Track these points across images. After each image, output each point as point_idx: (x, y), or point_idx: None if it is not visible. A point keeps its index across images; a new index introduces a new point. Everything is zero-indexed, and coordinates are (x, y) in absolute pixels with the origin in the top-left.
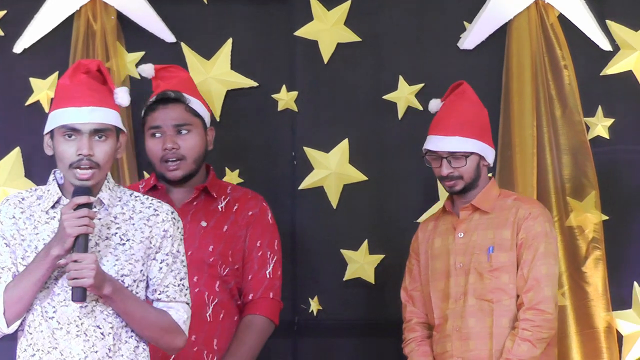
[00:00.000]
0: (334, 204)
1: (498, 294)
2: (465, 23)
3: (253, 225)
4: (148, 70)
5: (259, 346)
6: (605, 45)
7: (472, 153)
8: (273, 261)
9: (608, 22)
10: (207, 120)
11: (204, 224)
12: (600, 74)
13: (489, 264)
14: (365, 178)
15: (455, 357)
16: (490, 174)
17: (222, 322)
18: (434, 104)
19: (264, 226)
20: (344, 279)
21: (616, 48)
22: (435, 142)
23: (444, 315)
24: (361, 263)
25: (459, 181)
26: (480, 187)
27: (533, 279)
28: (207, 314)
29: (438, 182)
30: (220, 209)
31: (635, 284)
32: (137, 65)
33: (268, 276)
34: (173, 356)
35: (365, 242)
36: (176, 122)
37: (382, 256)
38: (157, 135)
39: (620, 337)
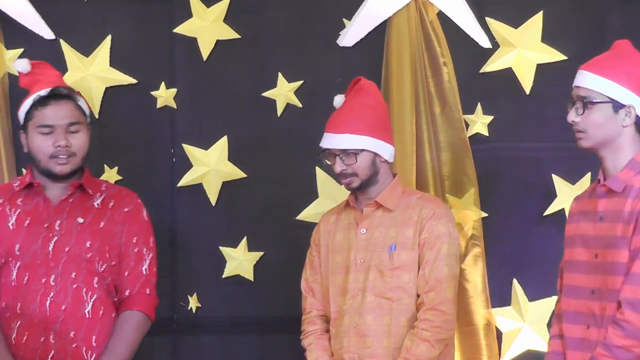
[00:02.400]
0: (213, 201)
1: (398, 293)
2: (344, 20)
3: (129, 221)
4: (23, 65)
5: (138, 341)
6: (485, 43)
7: (363, 150)
8: (149, 258)
9: (487, 19)
10: (89, 118)
11: (80, 220)
12: (480, 72)
13: (390, 262)
14: (245, 175)
15: (352, 354)
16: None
17: (102, 318)
18: (337, 100)
19: (140, 223)
20: (223, 276)
21: (495, 45)
22: (328, 140)
23: (340, 310)
24: (240, 260)
25: (354, 178)
26: (382, 183)
27: (435, 279)
28: (87, 311)
29: (317, 179)
30: (96, 206)
31: (515, 280)
32: None
33: (144, 272)
34: (53, 352)
35: (244, 239)
36: (69, 120)
37: (261, 253)
38: (47, 132)
39: (499, 334)
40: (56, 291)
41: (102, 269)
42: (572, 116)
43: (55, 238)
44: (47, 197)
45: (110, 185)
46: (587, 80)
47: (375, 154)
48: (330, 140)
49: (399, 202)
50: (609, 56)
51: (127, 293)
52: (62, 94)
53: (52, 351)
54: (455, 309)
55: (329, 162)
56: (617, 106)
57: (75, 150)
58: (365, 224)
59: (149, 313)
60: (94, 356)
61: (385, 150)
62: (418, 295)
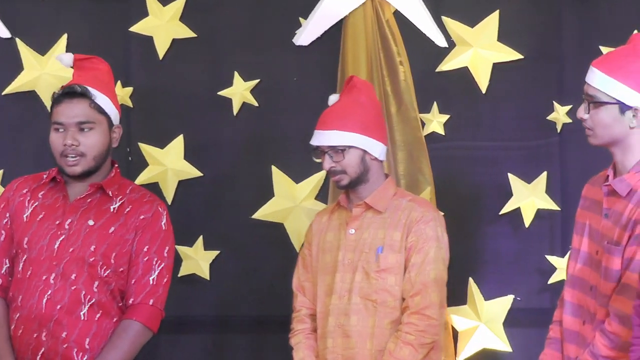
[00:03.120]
0: (169, 199)
1: (383, 295)
2: (300, 19)
3: (143, 229)
4: (66, 59)
5: (132, 352)
6: (441, 42)
7: (351, 147)
8: (159, 268)
9: (444, 18)
10: (115, 117)
11: (91, 222)
12: (436, 71)
13: (377, 264)
14: (201, 174)
15: (336, 354)
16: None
17: (98, 322)
18: (332, 99)
19: (154, 231)
20: (179, 275)
21: (452, 44)
22: (317, 137)
23: (326, 310)
24: (196, 259)
25: (343, 176)
26: (373, 183)
27: (421, 283)
28: (82, 313)
29: (273, 178)
30: (112, 210)
31: (471, 279)
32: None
33: (151, 282)
34: (43, 349)
35: (200, 238)
36: (79, 120)
37: (217, 252)
38: (60, 130)
39: (455, 333)
40: (54, 290)
41: (106, 274)
42: (580, 113)
43: (63, 237)
44: (67, 194)
45: (137, 189)
46: (595, 78)
47: (365, 152)
48: (319, 137)
49: (389, 204)
50: (622, 52)
51: (130, 301)
52: (75, 92)
53: (43, 348)
54: (441, 314)
55: (319, 160)
56: (624, 108)
57: (85, 149)
58: (354, 225)
59: (149, 324)
60: (85, 358)
61: (376, 148)
62: (403, 299)
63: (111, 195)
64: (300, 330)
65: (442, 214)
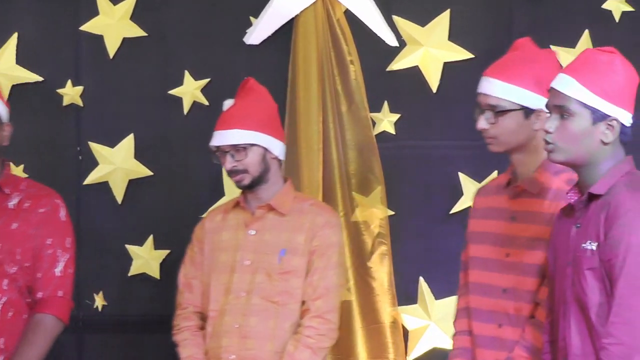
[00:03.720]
0: (119, 199)
1: (285, 297)
2: (251, 18)
3: (44, 223)
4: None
5: (47, 345)
6: (392, 41)
7: (253, 145)
8: (64, 259)
9: (394, 17)
10: (4, 115)
11: None
12: (387, 70)
13: (280, 267)
14: (151, 173)
15: (231, 354)
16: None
17: (11, 320)
18: (227, 104)
19: (55, 224)
20: (129, 274)
21: (402, 44)
22: (218, 137)
23: (222, 309)
24: (146, 258)
25: (245, 175)
26: (272, 183)
27: (324, 287)
28: None
29: (224, 177)
30: (11, 207)
31: (421, 279)
32: None
33: (58, 274)
34: None
35: (151, 237)
36: None
37: (167, 251)
38: None
39: (405, 332)
40: None
41: (13, 271)
42: (482, 124)
43: None
44: None
45: (31, 184)
46: (494, 88)
47: (266, 150)
48: (220, 138)
49: (291, 207)
50: (513, 58)
51: (39, 295)
52: None
53: None
54: (339, 319)
55: (220, 162)
56: (528, 112)
57: None
58: (255, 226)
59: (61, 316)
60: (1, 359)
61: (276, 146)
62: (303, 302)
63: (8, 192)
64: (186, 327)
65: (392, 213)
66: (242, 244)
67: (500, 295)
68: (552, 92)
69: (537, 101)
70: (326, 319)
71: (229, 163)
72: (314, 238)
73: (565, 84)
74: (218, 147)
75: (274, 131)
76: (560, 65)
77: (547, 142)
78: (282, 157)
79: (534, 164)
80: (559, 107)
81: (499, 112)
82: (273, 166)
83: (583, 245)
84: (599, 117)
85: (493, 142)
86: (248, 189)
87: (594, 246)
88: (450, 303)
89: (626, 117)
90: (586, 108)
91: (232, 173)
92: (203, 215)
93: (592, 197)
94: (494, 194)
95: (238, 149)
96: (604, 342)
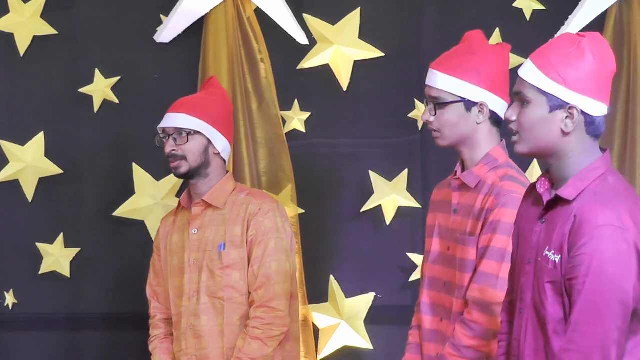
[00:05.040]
0: (30, 197)
1: (229, 292)
2: (162, 16)
3: None
4: None
5: None
6: (302, 39)
7: (197, 133)
8: None
9: (305, 15)
10: None
11: None
12: (297, 68)
13: (220, 262)
14: (61, 171)
15: (190, 355)
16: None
17: None
18: None
19: None
20: (40, 273)
21: (313, 42)
22: (165, 120)
23: (179, 312)
24: (57, 256)
25: (183, 162)
26: (212, 179)
27: (263, 276)
28: None
29: (133, 175)
30: None
31: (332, 277)
32: None
33: None
34: None
35: (61, 235)
36: None
37: (77, 250)
38: None
39: (316, 331)
40: None
41: None
42: (426, 116)
43: None
44: None
45: None
46: (437, 80)
47: (209, 143)
48: (167, 120)
49: (227, 200)
50: (459, 51)
51: None
52: None
53: None
54: (288, 305)
55: (162, 145)
56: (469, 104)
57: None
58: (196, 224)
59: None
60: None
61: (220, 142)
62: (249, 293)
63: None
64: (155, 336)
65: (303, 211)
66: (187, 244)
67: (441, 289)
68: (518, 79)
69: (480, 94)
70: (270, 307)
71: (169, 146)
72: (249, 227)
73: (525, 69)
74: (163, 130)
75: (222, 127)
76: (508, 59)
77: (513, 133)
78: (225, 156)
79: (477, 157)
80: (517, 93)
81: (440, 104)
82: (215, 162)
83: (546, 252)
84: (556, 104)
85: (438, 136)
86: (183, 178)
87: (556, 259)
88: (360, 301)
89: (593, 107)
90: (543, 95)
91: (170, 158)
92: (114, 214)
93: (560, 197)
94: (445, 187)
95: (181, 133)
96: None
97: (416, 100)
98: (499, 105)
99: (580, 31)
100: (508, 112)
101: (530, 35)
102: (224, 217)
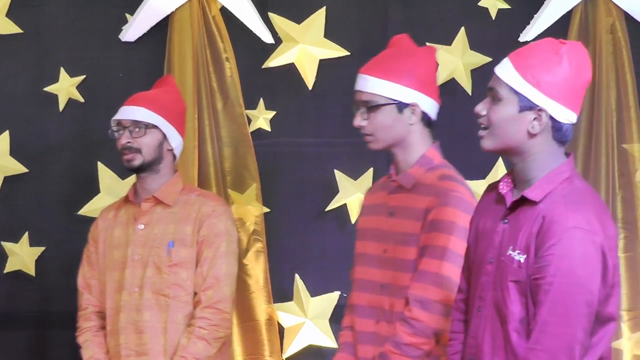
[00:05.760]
0: None
1: (175, 290)
2: (127, 15)
3: None
4: None
5: None
6: (267, 38)
7: (154, 127)
8: None
9: (270, 14)
10: None
11: None
12: (262, 67)
13: (169, 259)
14: (26, 170)
15: (129, 351)
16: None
17: None
18: None
19: None
20: (4, 272)
21: (278, 41)
22: (122, 112)
23: (117, 306)
24: (21, 255)
25: (137, 155)
26: (163, 175)
27: (213, 277)
28: None
29: (98, 174)
30: None
31: (297, 276)
32: None
33: None
34: None
35: (26, 234)
36: None
37: (42, 248)
38: None
39: (281, 329)
40: None
41: None
42: (358, 121)
43: None
44: None
45: None
46: (368, 84)
47: (165, 138)
48: (124, 112)
49: (178, 199)
50: (388, 55)
51: None
52: None
53: None
54: (233, 308)
55: (117, 138)
56: (401, 106)
57: None
58: (143, 220)
59: None
60: None
61: (175, 139)
62: (195, 293)
63: None
64: (87, 328)
65: (268, 210)
66: (132, 239)
67: (378, 291)
68: (493, 75)
69: (411, 95)
70: (218, 309)
71: (125, 138)
72: (201, 228)
73: (502, 67)
74: (119, 122)
75: (177, 125)
76: (436, 61)
77: (481, 128)
78: (177, 152)
79: (411, 159)
80: (490, 89)
81: (372, 107)
82: (167, 158)
83: (510, 252)
84: (526, 105)
85: (371, 140)
86: (135, 171)
87: (521, 258)
88: (325, 300)
89: (562, 113)
90: (515, 94)
91: (125, 150)
92: (79, 212)
93: (525, 199)
94: (379, 190)
95: (139, 126)
96: None
97: None
98: (430, 106)
99: (546, 30)
100: (478, 106)
101: (496, 34)
102: (174, 215)
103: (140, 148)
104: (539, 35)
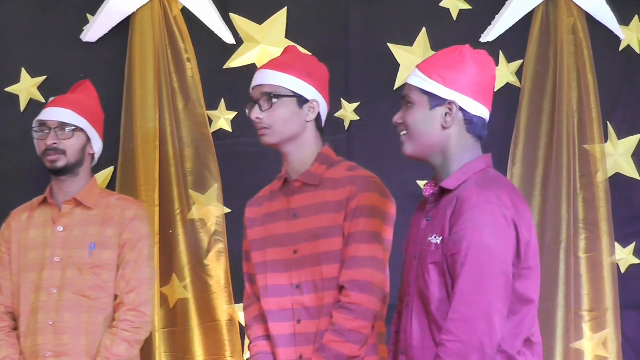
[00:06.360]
0: None
1: (97, 292)
2: (88, 15)
3: None
4: None
5: None
6: (229, 39)
7: (80, 130)
8: None
9: (232, 15)
10: None
11: None
12: (224, 67)
13: (91, 261)
14: None
15: (47, 352)
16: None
17: None
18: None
19: None
20: None
21: (240, 41)
22: (47, 113)
23: (34, 307)
24: None
25: (62, 157)
26: (81, 179)
27: (137, 280)
28: None
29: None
30: None
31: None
32: None
33: None
34: None
35: None
36: None
37: None
38: None
39: (242, 330)
40: None
41: None
42: (255, 113)
43: None
44: None
45: None
46: (270, 77)
47: (88, 142)
48: (50, 113)
49: (98, 201)
50: (285, 57)
51: None
52: None
53: None
54: (152, 311)
55: (40, 138)
56: (302, 101)
57: None
58: (62, 222)
59: None
60: None
61: (97, 143)
62: (116, 295)
63: None
64: (0, 329)
65: (229, 210)
66: (50, 240)
67: (293, 293)
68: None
69: (312, 92)
70: (141, 312)
71: (50, 139)
72: (124, 231)
73: (411, 75)
74: (43, 123)
75: (99, 130)
76: (327, 72)
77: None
78: (97, 155)
79: (308, 158)
80: (403, 97)
81: (274, 97)
82: (87, 162)
83: (429, 239)
84: (436, 103)
85: (266, 133)
86: (58, 173)
87: (438, 240)
88: None
89: (472, 106)
90: (424, 94)
91: (49, 151)
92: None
93: (444, 192)
94: (267, 201)
95: (64, 128)
96: (442, 339)
97: (342, 100)
98: (324, 109)
99: (507, 31)
100: (395, 117)
101: (457, 35)
102: (95, 217)
103: (66, 150)
104: (500, 35)
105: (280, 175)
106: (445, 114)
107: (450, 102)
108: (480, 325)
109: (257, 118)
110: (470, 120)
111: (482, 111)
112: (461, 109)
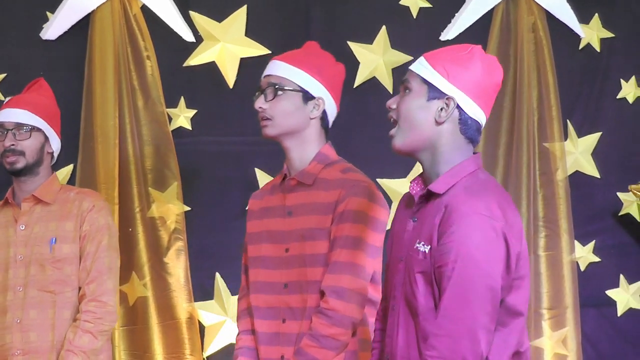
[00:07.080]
0: None
1: (60, 286)
2: (48, 13)
3: None
4: None
5: None
6: (188, 37)
7: (37, 130)
8: None
9: (191, 13)
10: None
11: None
12: (183, 65)
13: (52, 255)
14: None
15: (16, 350)
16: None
17: None
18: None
19: None
20: None
21: (199, 39)
22: (3, 115)
23: (2, 307)
24: None
25: (20, 158)
26: (41, 177)
27: (96, 270)
28: None
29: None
30: None
31: (217, 274)
32: None
33: None
34: None
35: None
36: None
37: None
38: None
39: (202, 328)
40: None
41: None
42: (259, 103)
43: None
44: None
45: None
46: (279, 68)
47: (46, 141)
48: (7, 115)
49: (57, 197)
50: (301, 51)
51: None
52: None
53: None
54: (116, 301)
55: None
56: (307, 97)
57: None
58: (23, 220)
59: None
60: None
61: (55, 142)
62: (80, 288)
63: None
64: None
65: (189, 208)
66: (13, 240)
67: (281, 291)
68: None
69: (319, 89)
70: (102, 302)
71: (8, 140)
72: (83, 223)
73: (416, 62)
74: (1, 124)
75: (56, 128)
76: (344, 74)
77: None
78: (56, 153)
79: (307, 156)
80: (403, 82)
81: (278, 89)
82: (46, 161)
83: (417, 245)
84: (435, 95)
85: (268, 124)
86: (18, 174)
87: (426, 249)
88: None
89: (470, 106)
90: (425, 84)
91: (7, 152)
92: None
93: (432, 193)
94: (268, 195)
95: (22, 129)
96: (426, 354)
97: None
98: (331, 108)
99: (467, 29)
100: (390, 100)
101: (417, 33)
102: (53, 213)
103: (24, 151)
104: (460, 34)
105: (281, 172)
106: (441, 109)
107: (449, 98)
108: (464, 341)
109: (260, 107)
110: (465, 121)
111: (479, 114)
112: (458, 106)
